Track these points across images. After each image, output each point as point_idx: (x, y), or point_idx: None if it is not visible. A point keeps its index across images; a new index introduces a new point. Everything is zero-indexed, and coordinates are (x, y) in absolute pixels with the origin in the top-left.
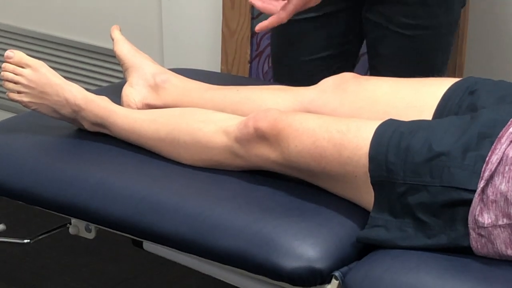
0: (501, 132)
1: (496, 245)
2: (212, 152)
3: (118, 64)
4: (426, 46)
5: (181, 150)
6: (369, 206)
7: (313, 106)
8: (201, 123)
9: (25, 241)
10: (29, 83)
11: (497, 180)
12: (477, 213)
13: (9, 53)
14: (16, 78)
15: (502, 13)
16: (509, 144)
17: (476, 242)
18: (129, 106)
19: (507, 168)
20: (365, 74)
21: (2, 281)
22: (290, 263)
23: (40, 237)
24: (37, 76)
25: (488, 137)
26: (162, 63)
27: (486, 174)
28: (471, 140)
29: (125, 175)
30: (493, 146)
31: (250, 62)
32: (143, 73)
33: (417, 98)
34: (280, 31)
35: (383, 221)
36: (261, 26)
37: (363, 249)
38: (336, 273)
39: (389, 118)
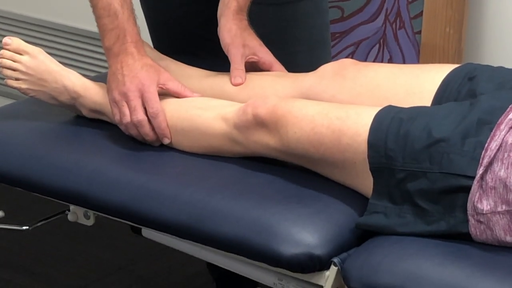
0: (500, 119)
1: (495, 231)
2: (211, 138)
3: None
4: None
5: (180, 136)
6: (368, 193)
7: (312, 92)
8: (199, 109)
9: (24, 227)
10: (27, 70)
11: (496, 167)
12: (476, 199)
13: (7, 39)
14: (14, 65)
15: None
16: (508, 131)
17: (475, 229)
18: None
19: (506, 154)
20: (364, 60)
21: (0, 267)
22: (289, 250)
23: (39, 224)
24: (35, 63)
25: (488, 124)
26: None
27: (485, 160)
28: (471, 127)
29: (124, 161)
30: (492, 133)
31: None
32: None
33: (416, 84)
34: None
35: (382, 207)
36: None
37: (362, 235)
38: (335, 260)
39: (388, 104)
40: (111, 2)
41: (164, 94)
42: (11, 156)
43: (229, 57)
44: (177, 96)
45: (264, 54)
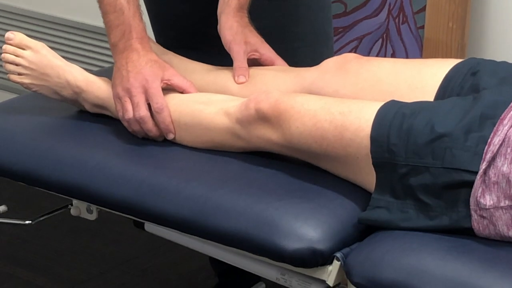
0: (503, 114)
1: (498, 226)
2: (213, 133)
3: None
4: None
5: (182, 132)
6: (370, 188)
7: (314, 87)
8: (201, 104)
9: (27, 222)
10: (29, 64)
11: (499, 162)
12: (478, 194)
13: (10, 34)
14: (17, 59)
15: None
16: (511, 126)
17: (477, 224)
18: None
19: (509, 149)
20: (367, 55)
21: (3, 261)
22: (291, 244)
23: (42, 219)
24: (38, 57)
25: (490, 119)
26: None
27: (488, 155)
28: (473, 122)
29: (127, 156)
30: (495, 128)
31: None
32: None
33: (419, 79)
34: None
35: (385, 202)
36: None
37: (364, 230)
38: (338, 254)
39: (391, 99)
40: None
41: (167, 89)
42: (14, 150)
43: (231, 54)
44: (182, 91)
45: (266, 51)
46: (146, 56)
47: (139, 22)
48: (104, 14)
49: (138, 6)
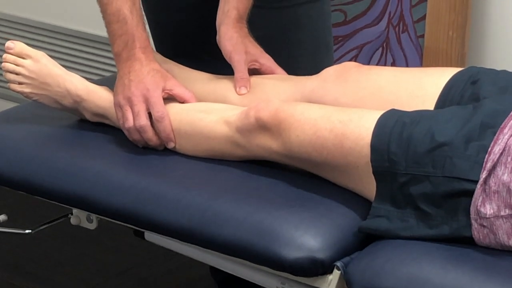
0: (504, 123)
1: (498, 235)
2: (213, 142)
3: None
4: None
5: (182, 140)
6: (371, 197)
7: (314, 95)
8: (202, 113)
9: (27, 231)
10: (30, 74)
11: (499, 171)
12: (479, 203)
13: (10, 44)
14: (17, 69)
15: (505, 1)
16: None
17: (478, 233)
18: None
19: (509, 158)
20: (367, 64)
21: (3, 271)
22: (291, 253)
23: (42, 228)
24: (38, 66)
25: (491, 128)
26: None
27: (489, 164)
28: (474, 131)
29: (127, 165)
30: (495, 137)
31: None
32: None
33: (419, 87)
34: None
35: (385, 211)
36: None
37: (365, 239)
38: (338, 263)
39: (391, 108)
40: (121, 8)
41: (167, 99)
42: (14, 159)
43: (232, 65)
44: (182, 102)
45: (266, 61)
46: (148, 66)
47: (142, 32)
48: (108, 24)
49: (141, 16)
